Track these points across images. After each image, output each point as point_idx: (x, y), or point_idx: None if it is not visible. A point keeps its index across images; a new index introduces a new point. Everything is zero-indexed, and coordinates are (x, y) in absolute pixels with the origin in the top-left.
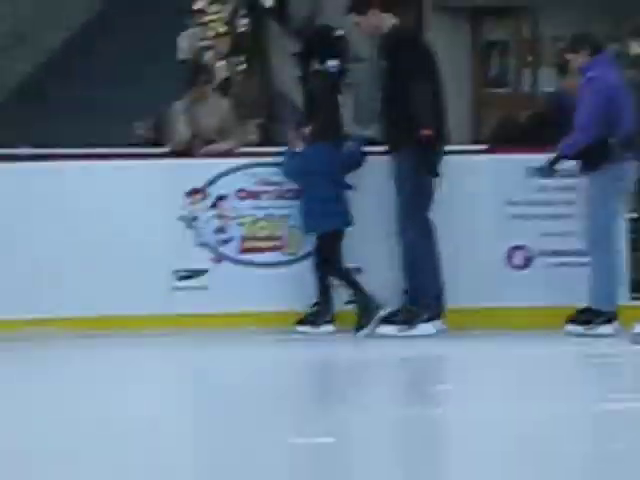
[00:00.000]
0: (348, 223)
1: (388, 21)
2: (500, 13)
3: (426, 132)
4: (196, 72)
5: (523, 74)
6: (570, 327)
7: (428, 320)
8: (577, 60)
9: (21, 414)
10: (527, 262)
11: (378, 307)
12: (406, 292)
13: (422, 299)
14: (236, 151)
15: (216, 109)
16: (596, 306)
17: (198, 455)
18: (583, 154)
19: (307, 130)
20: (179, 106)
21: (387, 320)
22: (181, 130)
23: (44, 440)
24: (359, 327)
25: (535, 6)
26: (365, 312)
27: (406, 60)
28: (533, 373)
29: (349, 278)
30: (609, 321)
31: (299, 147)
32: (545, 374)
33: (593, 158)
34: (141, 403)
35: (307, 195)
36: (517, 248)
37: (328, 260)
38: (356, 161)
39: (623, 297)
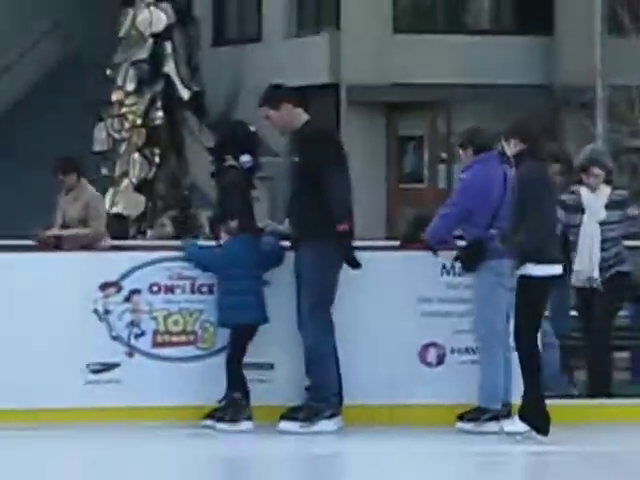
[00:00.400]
0: (265, 319)
1: (300, 117)
2: (415, 108)
3: (342, 227)
4: (63, 164)
5: (438, 169)
6: (459, 424)
7: (330, 417)
8: (464, 157)
9: None
10: (440, 359)
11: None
12: (307, 389)
13: (324, 395)
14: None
15: (80, 199)
16: (483, 404)
17: None
18: (460, 255)
19: (233, 223)
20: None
21: (289, 417)
22: (55, 221)
23: None
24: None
25: (450, 101)
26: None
27: (320, 154)
28: (423, 469)
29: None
30: (496, 418)
31: (222, 240)
32: (430, 471)
33: (470, 257)
34: None
35: (224, 288)
36: (430, 345)
37: (234, 353)
38: (277, 256)
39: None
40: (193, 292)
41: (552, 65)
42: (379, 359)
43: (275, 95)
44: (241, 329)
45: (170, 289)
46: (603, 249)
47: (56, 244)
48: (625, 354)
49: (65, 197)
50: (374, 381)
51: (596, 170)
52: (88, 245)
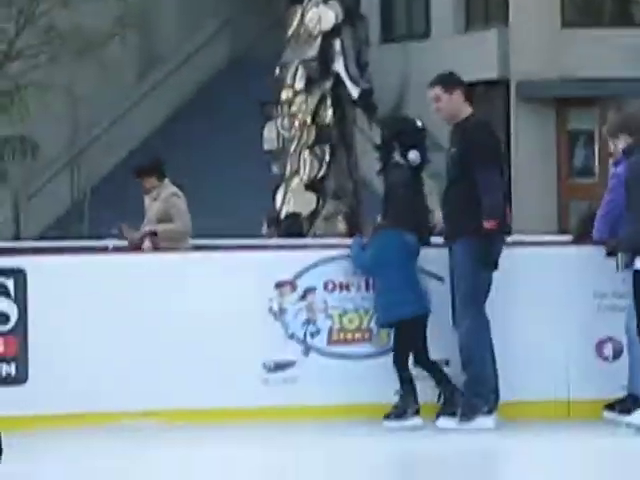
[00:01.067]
0: (424, 310)
1: (466, 109)
2: (585, 103)
3: (491, 224)
4: (137, 169)
5: (609, 164)
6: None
7: (487, 413)
8: (615, 147)
9: None
10: (617, 354)
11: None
12: (464, 385)
13: (481, 391)
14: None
15: (159, 199)
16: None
17: None
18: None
19: (379, 220)
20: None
21: (447, 413)
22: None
23: None
24: (441, 414)
25: (620, 95)
26: (449, 402)
27: (479, 147)
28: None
29: (433, 367)
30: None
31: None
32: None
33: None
34: None
35: (378, 287)
36: (607, 340)
37: (399, 351)
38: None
39: None
40: (368, 289)
41: None
42: (556, 354)
43: (451, 79)
44: (399, 325)
45: (345, 287)
46: None
47: (138, 244)
48: None
49: (147, 198)
50: (543, 377)
51: None
52: (173, 244)
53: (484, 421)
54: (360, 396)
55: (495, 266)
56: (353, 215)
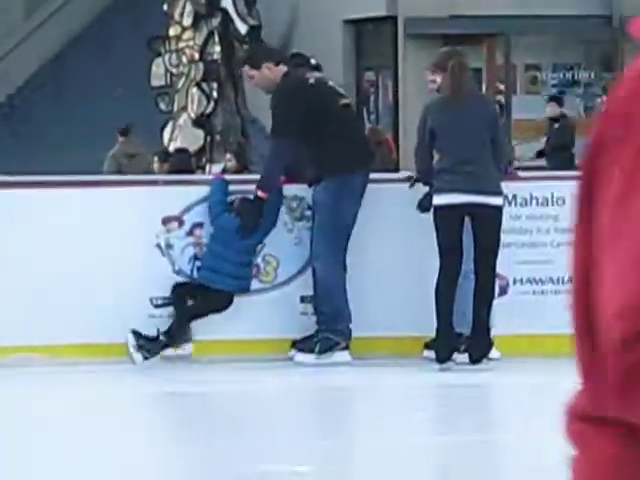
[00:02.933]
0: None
1: (280, 73)
2: (473, 40)
3: (260, 193)
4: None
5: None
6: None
7: (344, 348)
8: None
9: None
10: (502, 290)
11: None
12: (318, 319)
13: (338, 327)
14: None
15: None
16: None
17: None
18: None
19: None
20: None
21: (301, 348)
22: None
23: None
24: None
25: (508, 33)
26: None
27: (272, 116)
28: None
29: None
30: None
31: None
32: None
33: None
34: (112, 428)
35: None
36: None
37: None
38: None
39: None
40: None
41: None
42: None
43: (256, 55)
44: None
45: None
46: None
47: None
48: None
49: None
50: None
51: None
52: None
53: (341, 356)
54: (246, 331)
55: (357, 202)
56: (241, 151)
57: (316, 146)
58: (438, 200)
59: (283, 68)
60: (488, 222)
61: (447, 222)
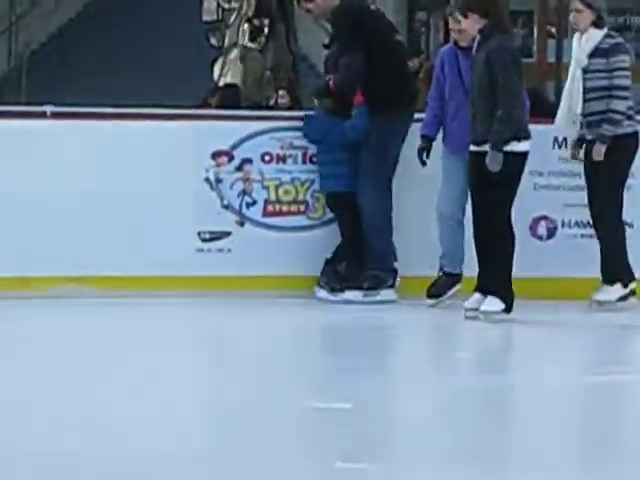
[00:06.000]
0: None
1: (334, 1)
2: None
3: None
4: None
5: (547, 44)
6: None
7: (390, 286)
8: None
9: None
10: (550, 232)
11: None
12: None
13: (387, 264)
14: (262, 114)
15: None
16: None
17: (215, 419)
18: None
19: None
20: None
21: (350, 286)
22: None
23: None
24: (347, 287)
25: None
26: (354, 276)
27: (340, 33)
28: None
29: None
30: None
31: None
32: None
33: None
34: (159, 365)
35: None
36: (541, 218)
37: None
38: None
39: None
40: (305, 162)
41: None
42: None
43: None
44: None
45: (282, 159)
46: (586, 99)
47: None
48: None
49: None
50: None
51: (575, 3)
52: None
53: (387, 294)
54: (294, 268)
55: (402, 141)
56: (292, 88)
57: (368, 77)
58: (525, 146)
59: None
60: None
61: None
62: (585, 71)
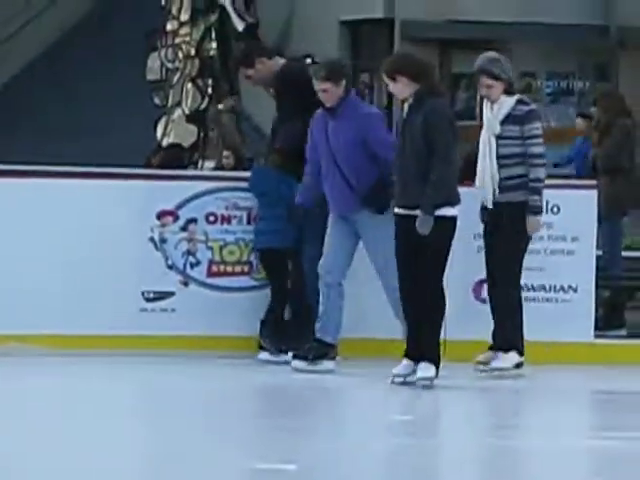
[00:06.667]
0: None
1: (276, 64)
2: (470, 46)
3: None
4: None
5: None
6: None
7: (332, 358)
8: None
9: None
10: None
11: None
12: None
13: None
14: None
15: None
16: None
17: (151, 476)
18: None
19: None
20: None
21: (297, 355)
22: None
23: None
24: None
25: (506, 40)
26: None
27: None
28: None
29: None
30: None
31: None
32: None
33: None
34: (97, 423)
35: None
36: (484, 281)
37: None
38: None
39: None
40: (249, 222)
41: (610, 5)
42: None
43: (248, 53)
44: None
45: (227, 219)
46: (501, 166)
47: None
48: None
49: None
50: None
51: (484, 79)
52: None
53: (329, 364)
54: (238, 329)
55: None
56: (237, 149)
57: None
58: (455, 211)
59: (278, 59)
60: None
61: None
62: (498, 137)
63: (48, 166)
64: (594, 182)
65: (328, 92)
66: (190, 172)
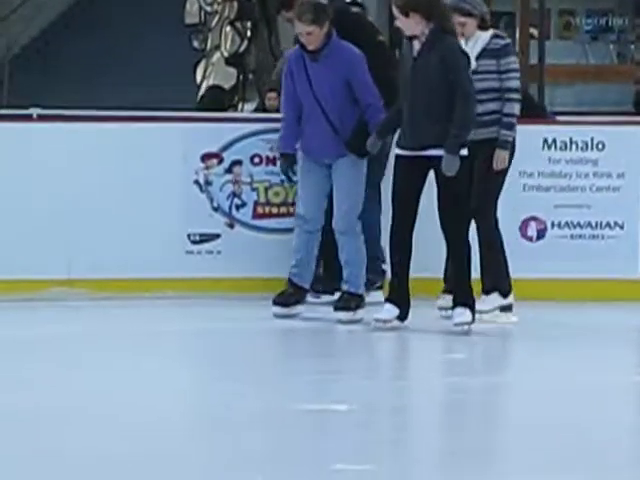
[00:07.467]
0: None
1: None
2: None
3: None
4: None
5: (529, 46)
6: None
7: (379, 288)
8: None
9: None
10: (540, 233)
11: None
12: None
13: (375, 265)
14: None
15: None
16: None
17: (200, 420)
18: None
19: None
20: None
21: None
22: None
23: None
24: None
25: None
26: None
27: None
28: None
29: None
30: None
31: None
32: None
33: None
34: (146, 366)
35: None
36: (530, 219)
37: None
38: None
39: None
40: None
41: None
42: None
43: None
44: None
45: (271, 161)
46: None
47: None
48: None
49: None
50: None
51: (456, 17)
52: None
53: (376, 295)
54: (283, 270)
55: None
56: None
57: None
58: (465, 152)
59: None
60: None
61: None
62: (474, 72)
63: (90, 110)
64: (639, 118)
65: (312, 35)
66: (234, 114)
